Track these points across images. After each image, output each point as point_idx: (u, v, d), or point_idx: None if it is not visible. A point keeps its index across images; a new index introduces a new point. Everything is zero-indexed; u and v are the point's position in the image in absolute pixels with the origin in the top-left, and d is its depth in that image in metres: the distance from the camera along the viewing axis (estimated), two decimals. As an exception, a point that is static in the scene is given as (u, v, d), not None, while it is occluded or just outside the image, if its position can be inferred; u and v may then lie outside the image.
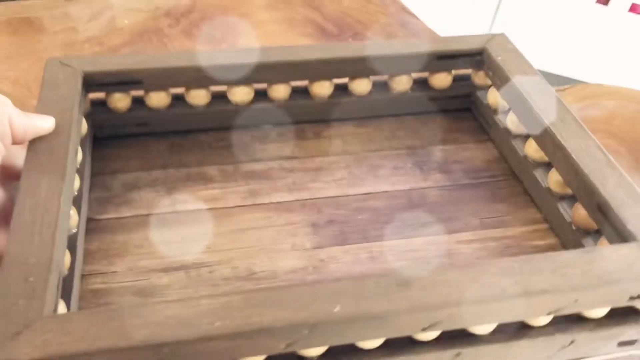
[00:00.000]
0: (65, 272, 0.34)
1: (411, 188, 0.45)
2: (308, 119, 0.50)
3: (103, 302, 0.36)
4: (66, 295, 0.34)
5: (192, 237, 0.40)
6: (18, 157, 0.38)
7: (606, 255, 0.32)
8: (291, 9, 0.63)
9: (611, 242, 0.35)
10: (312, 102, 0.49)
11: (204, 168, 0.45)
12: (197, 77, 0.46)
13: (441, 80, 0.50)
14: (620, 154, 0.48)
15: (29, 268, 0.30)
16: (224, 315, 0.29)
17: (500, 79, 0.47)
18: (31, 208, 0.33)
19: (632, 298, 0.32)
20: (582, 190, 0.38)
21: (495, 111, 0.49)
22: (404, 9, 0.65)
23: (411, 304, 0.30)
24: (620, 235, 0.34)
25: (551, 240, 0.41)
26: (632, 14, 0.68)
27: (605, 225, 0.36)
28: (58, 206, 0.34)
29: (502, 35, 0.51)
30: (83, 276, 0.37)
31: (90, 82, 0.44)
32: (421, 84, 0.51)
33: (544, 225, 0.42)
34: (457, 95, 0.51)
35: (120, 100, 0.46)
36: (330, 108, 0.50)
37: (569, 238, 0.40)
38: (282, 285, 0.36)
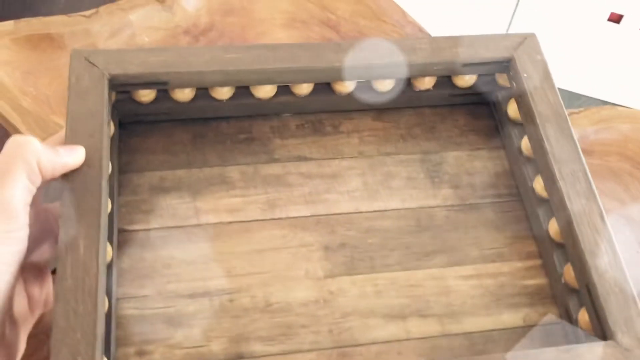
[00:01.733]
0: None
1: (420, 206, 0.47)
2: (327, 109, 0.51)
3: (138, 331, 0.41)
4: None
5: (215, 256, 0.44)
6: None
7: (583, 355, 0.37)
8: (308, 29, 0.61)
9: (592, 322, 0.40)
10: (333, 96, 0.50)
11: (225, 169, 0.47)
12: (223, 79, 0.46)
13: (465, 81, 0.50)
14: (636, 178, 0.50)
15: (77, 346, 0.35)
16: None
17: (522, 99, 0.47)
18: (72, 269, 0.37)
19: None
20: (576, 260, 0.41)
21: (512, 121, 0.50)
22: (421, 30, 0.62)
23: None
24: (600, 325, 0.38)
25: (541, 280, 0.45)
26: (644, 33, 0.66)
27: (589, 305, 0.40)
28: (97, 265, 0.37)
29: (533, 37, 0.49)
30: (118, 299, 0.42)
31: (116, 83, 0.45)
32: (443, 81, 0.51)
33: (538, 262, 0.46)
34: (478, 92, 0.51)
35: (146, 96, 0.47)
36: (350, 100, 0.50)
37: (557, 286, 0.44)
38: None
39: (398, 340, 0.42)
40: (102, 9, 0.60)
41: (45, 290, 0.41)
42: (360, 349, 0.41)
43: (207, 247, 0.44)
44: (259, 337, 0.41)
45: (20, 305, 0.39)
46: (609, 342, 0.37)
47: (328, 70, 0.47)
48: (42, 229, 0.40)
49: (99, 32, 0.57)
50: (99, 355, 0.35)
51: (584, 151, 0.45)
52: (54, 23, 0.58)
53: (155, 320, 0.41)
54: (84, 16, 0.59)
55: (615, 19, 0.70)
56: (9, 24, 0.58)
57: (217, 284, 0.43)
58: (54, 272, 0.44)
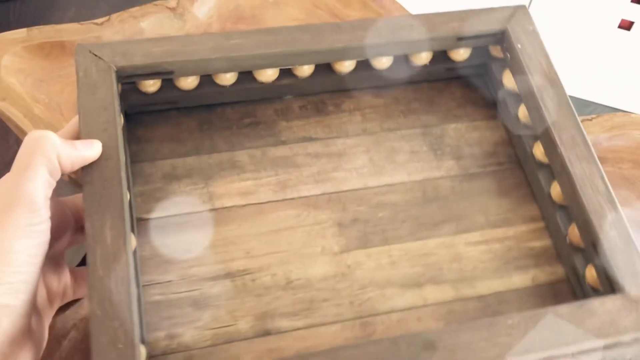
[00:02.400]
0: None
1: (425, 179, 0.49)
2: (329, 89, 0.52)
3: (166, 316, 0.42)
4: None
5: (232, 238, 0.45)
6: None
7: (595, 309, 0.39)
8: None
9: (599, 278, 0.42)
10: (334, 76, 0.51)
11: (234, 154, 0.48)
12: (228, 65, 0.47)
13: (460, 55, 0.52)
14: None
15: (116, 333, 0.36)
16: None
17: (517, 69, 0.49)
18: (102, 259, 0.38)
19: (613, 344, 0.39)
20: (581, 221, 0.43)
21: (508, 92, 0.51)
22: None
23: (436, 365, 0.36)
24: (608, 280, 0.41)
25: (546, 241, 0.47)
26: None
27: (597, 261, 0.42)
28: (126, 253, 0.38)
29: (524, 9, 0.51)
30: (143, 286, 0.43)
31: (122, 74, 0.45)
32: (439, 56, 0.52)
33: (541, 224, 0.48)
34: (472, 64, 0.53)
35: (151, 86, 0.47)
36: (351, 79, 0.51)
37: (562, 245, 0.46)
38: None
39: (416, 307, 0.44)
40: (114, 16, 0.60)
41: (63, 283, 0.42)
42: (381, 318, 0.43)
43: (224, 230, 0.45)
44: (284, 313, 0.43)
45: (40, 297, 0.40)
46: (618, 295, 0.40)
47: (329, 51, 0.48)
48: (58, 222, 0.41)
49: (111, 39, 0.58)
50: (137, 340, 0.36)
51: (597, 158, 0.46)
52: (66, 31, 0.58)
53: (181, 304, 0.42)
54: (96, 24, 0.59)
55: (626, 26, 0.69)
56: (21, 32, 0.58)
57: (238, 265, 0.44)
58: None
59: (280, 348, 0.41)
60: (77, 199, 0.44)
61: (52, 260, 0.41)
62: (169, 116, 0.50)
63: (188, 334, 0.42)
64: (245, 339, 0.42)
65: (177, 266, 0.44)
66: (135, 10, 0.61)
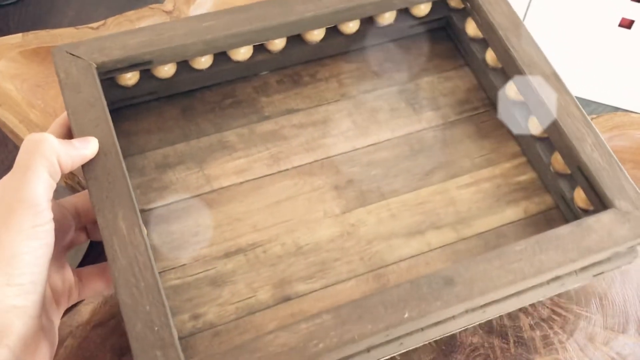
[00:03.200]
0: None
1: (409, 133, 0.51)
2: (302, 60, 0.53)
3: (186, 298, 0.43)
4: None
5: (237, 215, 0.46)
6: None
7: (592, 225, 0.42)
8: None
9: (589, 198, 0.45)
10: (305, 47, 0.52)
11: (222, 135, 0.49)
12: (205, 48, 0.47)
13: (421, 10, 0.54)
14: None
15: (149, 317, 0.36)
16: (322, 336, 0.37)
17: (479, 16, 0.51)
18: (121, 250, 0.38)
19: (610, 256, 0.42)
20: (564, 148, 0.46)
21: (472, 39, 0.54)
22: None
23: (458, 298, 0.38)
24: (599, 198, 0.43)
25: (531, 174, 0.50)
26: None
27: (585, 184, 0.44)
28: (143, 240, 0.39)
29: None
30: (159, 273, 0.43)
31: (103, 70, 0.45)
32: (402, 14, 0.54)
33: (523, 159, 0.50)
34: (433, 19, 0.55)
35: (130, 79, 0.48)
36: (321, 48, 0.53)
37: (547, 175, 0.48)
38: (348, 302, 0.38)
39: (422, 253, 0.46)
40: (109, 20, 0.60)
41: (67, 284, 0.42)
42: (392, 267, 0.45)
43: (227, 209, 0.46)
44: (300, 278, 0.44)
45: (46, 299, 0.40)
46: (610, 210, 0.42)
47: (300, 22, 0.49)
48: (59, 223, 0.41)
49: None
50: (171, 321, 0.37)
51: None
52: (62, 35, 0.57)
53: (199, 284, 0.43)
54: (92, 28, 0.59)
55: (627, 24, 0.69)
56: (17, 37, 0.57)
57: (246, 239, 0.45)
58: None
59: (303, 311, 0.43)
60: (75, 199, 0.44)
61: (55, 262, 0.42)
62: (150, 107, 0.50)
63: (211, 312, 0.42)
64: (267, 307, 0.43)
65: (188, 250, 0.44)
66: (131, 13, 0.60)
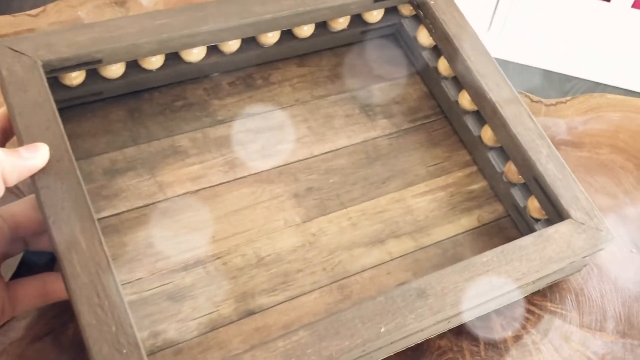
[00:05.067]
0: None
1: (364, 140, 0.50)
2: (254, 63, 0.51)
3: (144, 314, 0.40)
4: None
5: (193, 225, 0.44)
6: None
7: (552, 236, 0.43)
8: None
9: (544, 208, 0.46)
10: (258, 49, 0.50)
11: (174, 139, 0.47)
12: (158, 47, 0.45)
13: (373, 17, 0.53)
14: (628, 170, 0.49)
15: (116, 338, 0.34)
16: (300, 354, 0.35)
17: (433, 24, 0.51)
18: (82, 266, 0.35)
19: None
20: (519, 159, 0.47)
21: (423, 47, 0.54)
22: None
23: (432, 310, 0.38)
24: (554, 208, 0.45)
25: (482, 183, 0.51)
26: (635, 10, 0.63)
27: (540, 194, 0.46)
28: (105, 255, 0.36)
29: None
30: (113, 289, 0.40)
31: (49, 68, 0.42)
32: (354, 20, 0.53)
33: (474, 168, 0.51)
34: (384, 25, 0.55)
35: (76, 78, 0.44)
36: (275, 51, 0.51)
37: (499, 184, 0.49)
38: (324, 318, 0.38)
39: (384, 263, 0.45)
40: (49, 6, 0.55)
41: (0, 299, 0.39)
42: (355, 278, 0.44)
43: (183, 218, 0.44)
44: (262, 290, 0.42)
45: None
46: (567, 220, 0.44)
47: (258, 23, 0.47)
48: None
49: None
50: (139, 341, 0.34)
51: (572, 143, 0.43)
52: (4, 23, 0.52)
53: (157, 299, 0.41)
54: (30, 15, 0.54)
55: None
56: None
57: (205, 251, 0.43)
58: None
59: (268, 325, 0.41)
60: (14, 208, 0.41)
61: None
62: (95, 108, 0.47)
63: (171, 329, 0.40)
64: (231, 322, 0.41)
65: (143, 262, 0.42)
66: (72, -1, 0.56)
